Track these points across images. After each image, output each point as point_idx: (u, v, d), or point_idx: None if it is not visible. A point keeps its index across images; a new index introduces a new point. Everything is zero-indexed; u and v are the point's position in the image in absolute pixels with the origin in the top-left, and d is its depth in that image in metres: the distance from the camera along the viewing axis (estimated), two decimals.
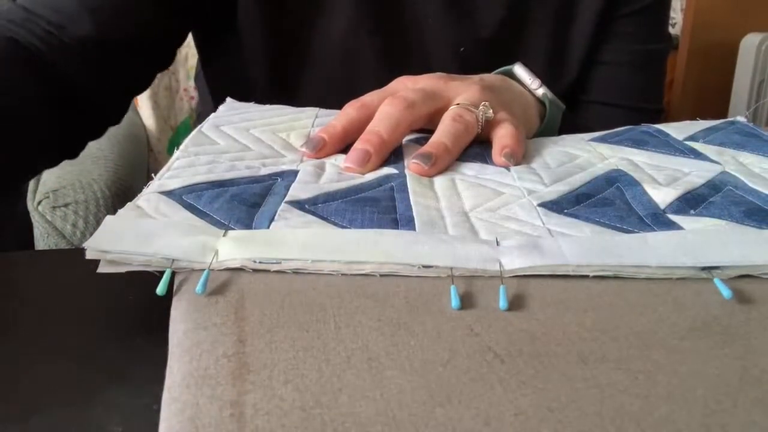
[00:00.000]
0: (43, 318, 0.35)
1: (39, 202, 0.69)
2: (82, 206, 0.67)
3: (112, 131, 0.94)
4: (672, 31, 1.92)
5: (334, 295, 0.31)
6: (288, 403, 0.24)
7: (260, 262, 0.32)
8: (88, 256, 0.32)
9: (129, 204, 0.36)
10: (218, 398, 0.25)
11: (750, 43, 1.71)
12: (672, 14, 1.90)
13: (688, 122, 0.53)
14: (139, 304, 0.35)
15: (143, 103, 1.17)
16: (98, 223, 0.68)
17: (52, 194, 0.69)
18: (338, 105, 0.50)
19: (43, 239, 0.69)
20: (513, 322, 0.29)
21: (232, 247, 0.33)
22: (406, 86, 0.51)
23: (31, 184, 0.73)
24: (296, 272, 0.32)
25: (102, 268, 0.33)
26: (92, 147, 0.85)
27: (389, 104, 0.46)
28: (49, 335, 0.34)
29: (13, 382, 0.31)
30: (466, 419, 0.24)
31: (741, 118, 0.54)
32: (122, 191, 0.73)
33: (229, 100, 0.54)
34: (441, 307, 0.30)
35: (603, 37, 0.70)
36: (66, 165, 0.77)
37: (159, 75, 1.13)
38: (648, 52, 0.72)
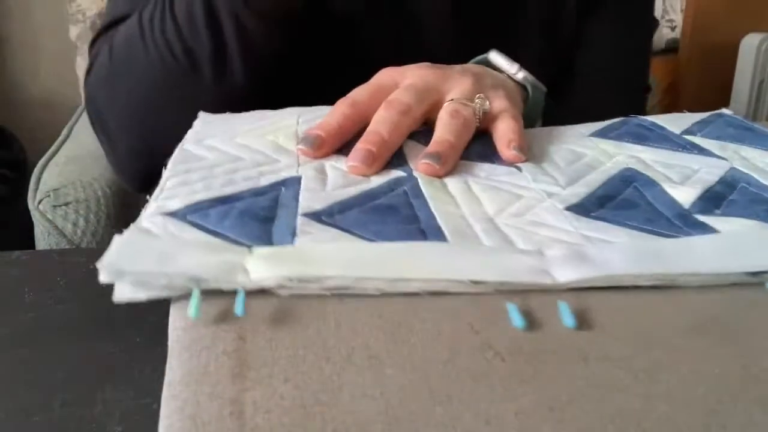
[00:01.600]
0: (43, 318, 0.35)
1: (40, 201, 0.69)
2: (83, 205, 0.67)
3: None
4: (672, 33, 1.92)
5: (335, 293, 0.31)
6: (288, 401, 0.24)
7: (299, 281, 0.30)
8: (103, 279, 0.29)
9: (132, 226, 0.34)
10: (218, 396, 0.25)
11: (750, 43, 1.71)
12: (672, 15, 1.90)
13: (676, 114, 0.54)
14: (139, 304, 0.35)
15: None
16: (99, 222, 0.68)
17: (53, 193, 0.69)
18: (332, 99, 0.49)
19: (43, 238, 0.69)
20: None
21: (264, 265, 0.31)
22: (395, 80, 0.50)
23: (32, 183, 0.73)
24: (337, 294, 0.30)
25: (119, 295, 0.29)
26: (92, 147, 0.85)
27: (385, 110, 0.46)
28: (48, 335, 0.34)
29: (14, 382, 0.31)
30: (467, 418, 0.24)
31: (726, 111, 0.54)
32: (123, 190, 0.73)
33: (202, 114, 0.51)
34: (441, 304, 0.30)
35: (588, 18, 0.71)
36: (67, 164, 0.77)
37: None
38: (634, 29, 0.73)
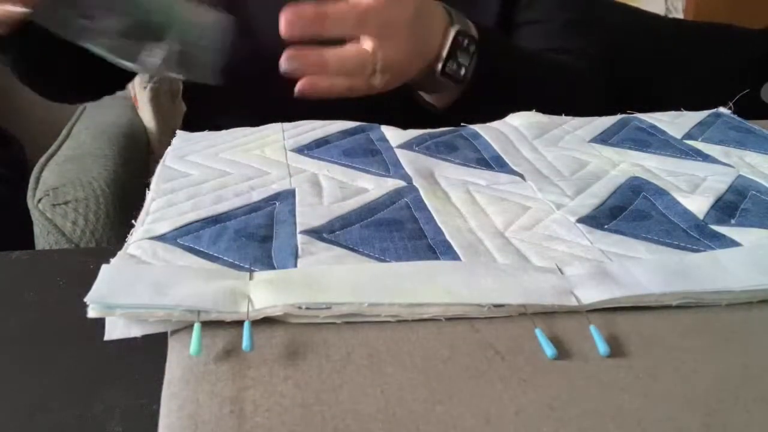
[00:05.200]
0: (43, 318, 0.35)
1: (39, 200, 0.69)
2: (83, 204, 0.67)
3: (113, 131, 0.94)
4: None
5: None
6: (288, 400, 0.24)
7: (307, 308, 0.28)
8: (91, 314, 0.27)
9: (119, 253, 0.32)
10: (218, 394, 0.25)
11: None
12: (674, 14, 1.90)
13: (673, 113, 0.53)
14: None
15: (144, 106, 1.17)
16: (98, 220, 0.68)
17: (52, 192, 0.69)
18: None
19: (43, 237, 0.69)
20: (514, 320, 0.29)
21: (268, 292, 0.29)
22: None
23: (32, 181, 0.74)
24: (348, 322, 0.29)
25: (110, 333, 0.27)
26: (92, 146, 0.85)
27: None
28: (49, 335, 0.34)
29: (14, 381, 0.31)
30: (467, 417, 0.24)
31: (724, 110, 0.54)
32: (122, 190, 0.73)
33: (179, 132, 0.49)
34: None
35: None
36: (66, 163, 0.77)
37: (158, 78, 1.13)
38: None
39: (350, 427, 0.23)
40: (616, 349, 0.27)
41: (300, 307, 0.28)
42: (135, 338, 0.32)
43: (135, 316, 0.28)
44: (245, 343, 0.26)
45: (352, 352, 0.27)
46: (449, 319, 0.29)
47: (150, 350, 0.28)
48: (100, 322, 0.33)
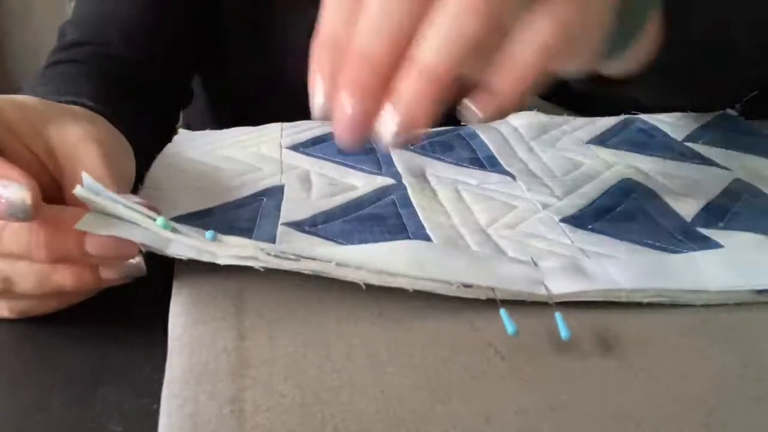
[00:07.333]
0: (43, 318, 0.35)
1: None
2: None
3: None
4: None
5: (334, 290, 0.30)
6: (288, 400, 0.24)
7: (275, 256, 0.29)
8: (78, 191, 0.28)
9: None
10: (218, 394, 0.25)
11: None
12: None
13: (678, 114, 0.53)
14: (139, 303, 0.35)
15: None
16: None
17: None
18: None
19: None
20: (514, 319, 0.29)
21: (238, 240, 0.30)
22: None
23: None
24: (336, 292, 0.29)
25: (83, 224, 0.28)
26: None
27: None
28: (49, 335, 0.34)
29: (14, 381, 0.31)
30: (467, 416, 0.24)
31: (731, 112, 0.54)
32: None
33: (181, 130, 0.50)
34: (441, 303, 0.30)
35: None
36: None
37: None
38: None
39: (350, 427, 0.23)
40: (616, 349, 0.28)
41: (269, 254, 0.29)
42: (135, 338, 0.32)
43: (111, 212, 0.29)
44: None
45: (352, 352, 0.27)
46: (449, 319, 0.29)
47: (150, 350, 0.28)
48: (100, 322, 0.33)
